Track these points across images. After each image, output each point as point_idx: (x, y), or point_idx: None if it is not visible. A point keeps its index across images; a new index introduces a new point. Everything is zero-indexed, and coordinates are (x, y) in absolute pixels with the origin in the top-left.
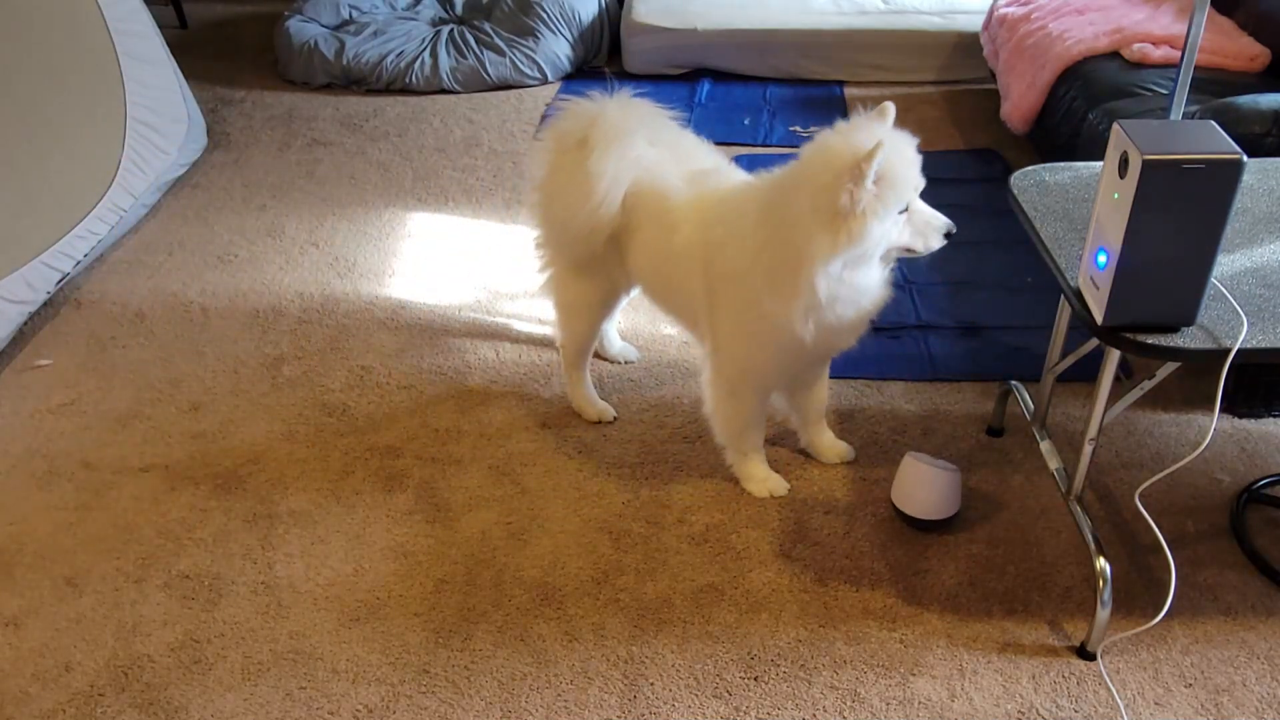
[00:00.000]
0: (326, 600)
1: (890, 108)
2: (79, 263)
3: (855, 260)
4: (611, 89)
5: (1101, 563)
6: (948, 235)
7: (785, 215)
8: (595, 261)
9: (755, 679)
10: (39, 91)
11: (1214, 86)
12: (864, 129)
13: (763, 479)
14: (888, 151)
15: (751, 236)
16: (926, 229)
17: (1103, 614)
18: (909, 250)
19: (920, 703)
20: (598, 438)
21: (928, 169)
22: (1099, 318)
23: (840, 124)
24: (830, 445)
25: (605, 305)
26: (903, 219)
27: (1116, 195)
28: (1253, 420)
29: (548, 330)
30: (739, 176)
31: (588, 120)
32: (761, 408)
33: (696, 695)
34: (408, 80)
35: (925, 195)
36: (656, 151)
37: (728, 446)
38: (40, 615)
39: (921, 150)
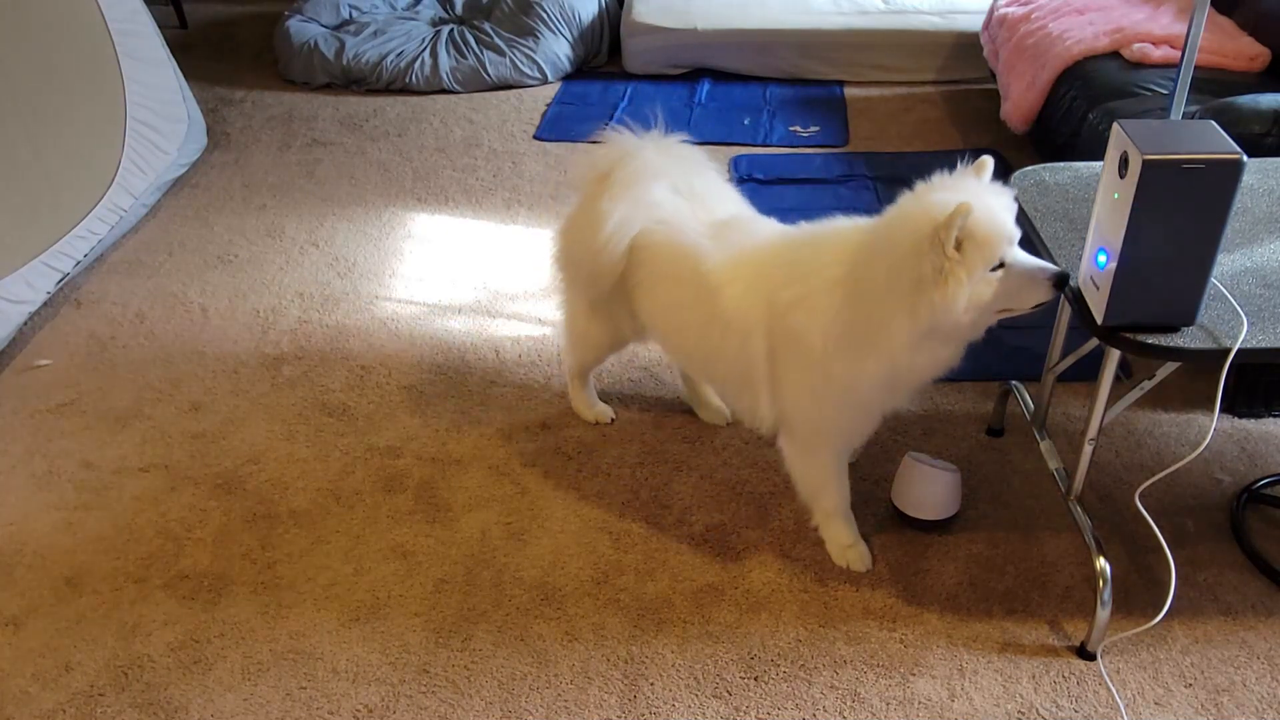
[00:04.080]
0: (326, 600)
1: (988, 163)
2: (79, 263)
3: (940, 330)
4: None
5: (1101, 563)
6: (1059, 284)
7: (863, 285)
8: (603, 304)
9: (755, 679)
10: (39, 91)
11: (1214, 86)
12: (945, 188)
13: (844, 545)
14: (974, 210)
15: (826, 301)
16: (1026, 285)
17: (1103, 614)
18: (1006, 311)
19: (920, 703)
20: (598, 438)
21: (927, 169)
22: (1099, 318)
23: (921, 184)
24: None
25: (613, 346)
26: (995, 277)
27: (1116, 195)
28: (1253, 420)
29: (548, 331)
30: (767, 226)
31: (618, 155)
32: (840, 465)
33: (696, 695)
34: (408, 80)
35: None
36: (677, 200)
37: (810, 506)
38: (40, 615)
39: (922, 150)
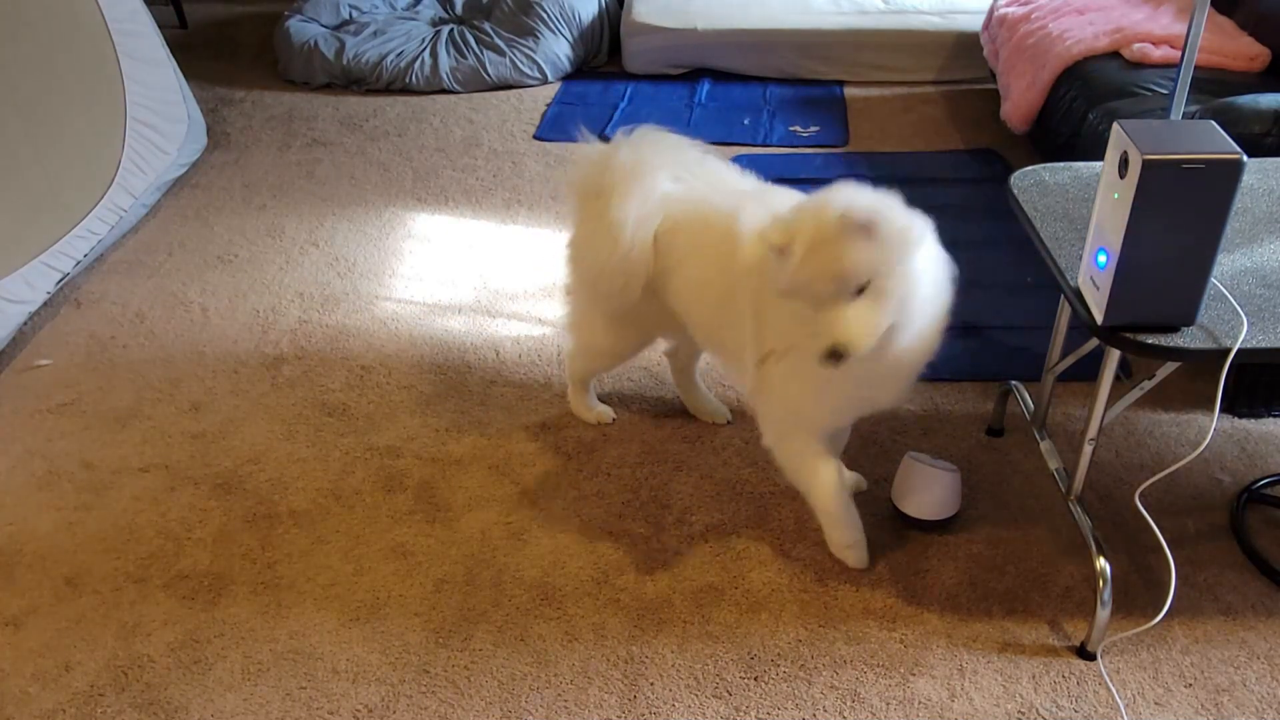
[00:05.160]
0: (326, 600)
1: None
2: (79, 263)
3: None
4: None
5: (1101, 563)
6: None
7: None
8: (631, 313)
9: (755, 679)
10: (39, 91)
11: (1214, 86)
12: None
13: (841, 545)
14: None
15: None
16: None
17: (1103, 614)
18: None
19: (920, 703)
20: (598, 438)
21: (928, 169)
22: (1099, 318)
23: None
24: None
25: (633, 353)
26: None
27: (1116, 195)
28: (1253, 420)
29: (548, 331)
30: (784, 196)
31: (600, 166)
32: (820, 456)
33: (696, 695)
34: (408, 80)
35: (924, 195)
36: (685, 184)
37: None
38: (40, 615)
39: (922, 150)
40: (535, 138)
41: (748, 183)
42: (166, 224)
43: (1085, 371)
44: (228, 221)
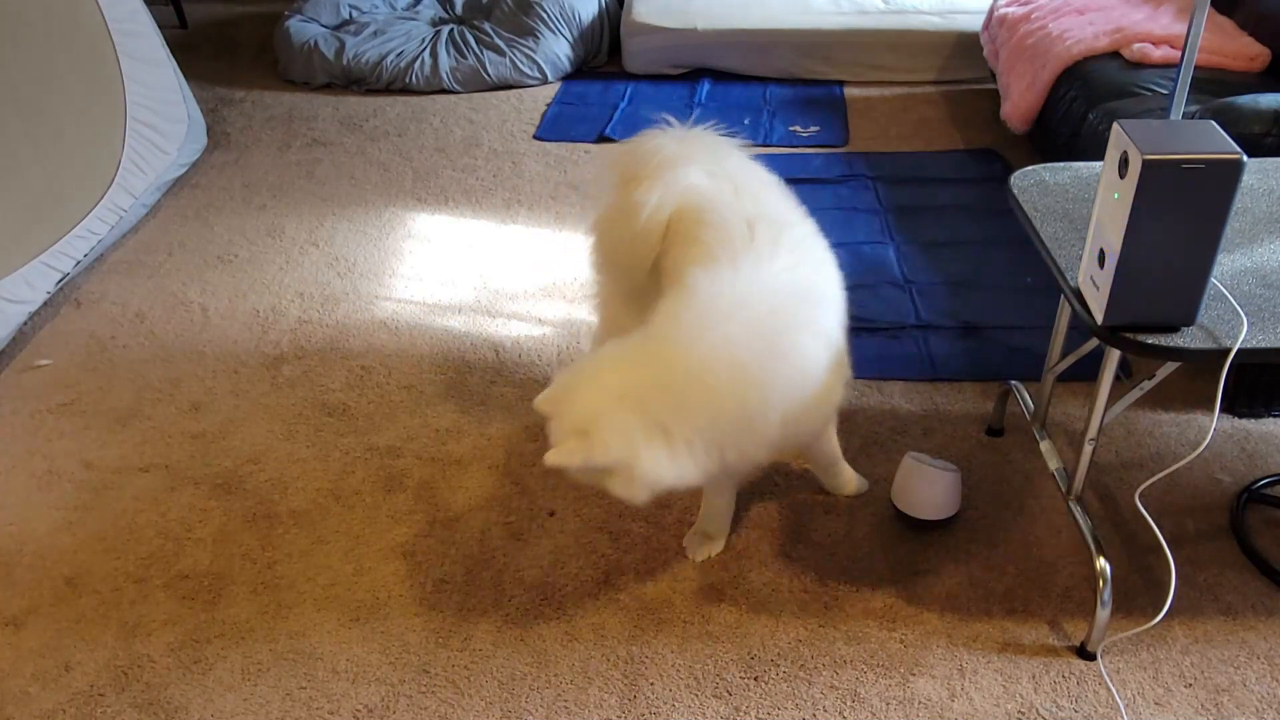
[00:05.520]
0: (326, 600)
1: None
2: (79, 263)
3: None
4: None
5: (1101, 563)
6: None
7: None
8: (645, 292)
9: (755, 679)
10: (39, 92)
11: (1214, 86)
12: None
13: (697, 530)
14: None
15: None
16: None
17: (1103, 614)
18: None
19: (920, 703)
20: None
21: (928, 169)
22: (1099, 318)
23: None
24: (847, 480)
25: None
26: None
27: (1116, 195)
28: (1253, 420)
29: (548, 331)
30: (799, 232)
31: (643, 156)
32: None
33: (696, 695)
34: (408, 80)
35: (924, 195)
36: (715, 182)
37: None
38: (40, 615)
39: (922, 150)
40: (535, 138)
41: (771, 201)
42: (166, 224)
43: (1085, 371)
44: (228, 221)
